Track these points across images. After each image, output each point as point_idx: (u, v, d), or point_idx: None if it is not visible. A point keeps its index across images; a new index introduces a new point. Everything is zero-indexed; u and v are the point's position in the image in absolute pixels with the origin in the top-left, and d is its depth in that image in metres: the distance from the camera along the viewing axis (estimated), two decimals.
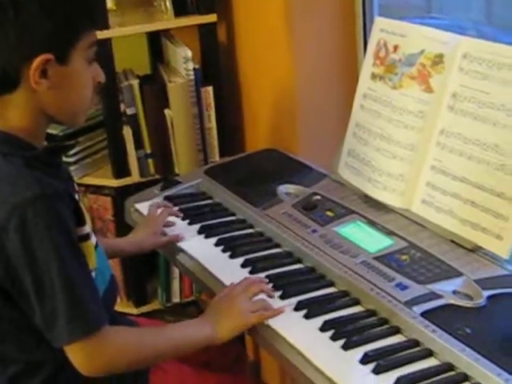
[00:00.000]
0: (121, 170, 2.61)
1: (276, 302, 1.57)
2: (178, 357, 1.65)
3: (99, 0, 2.26)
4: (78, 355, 1.41)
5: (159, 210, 2.01)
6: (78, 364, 1.42)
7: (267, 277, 1.67)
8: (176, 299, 2.84)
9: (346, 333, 1.46)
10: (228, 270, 1.73)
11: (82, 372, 1.44)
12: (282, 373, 2.64)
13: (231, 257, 1.80)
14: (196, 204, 2.09)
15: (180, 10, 2.50)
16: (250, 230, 1.93)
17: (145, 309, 2.79)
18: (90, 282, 1.44)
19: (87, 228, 1.49)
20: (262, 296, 1.59)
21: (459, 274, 1.59)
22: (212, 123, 2.59)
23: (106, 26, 2.41)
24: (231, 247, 1.83)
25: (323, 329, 1.49)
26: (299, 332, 1.48)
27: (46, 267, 1.35)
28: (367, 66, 1.94)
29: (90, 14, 1.45)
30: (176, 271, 2.77)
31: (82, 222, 1.47)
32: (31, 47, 1.38)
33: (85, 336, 1.39)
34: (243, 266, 1.75)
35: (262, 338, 1.55)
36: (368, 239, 1.75)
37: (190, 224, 1.98)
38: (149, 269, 2.82)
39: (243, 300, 1.57)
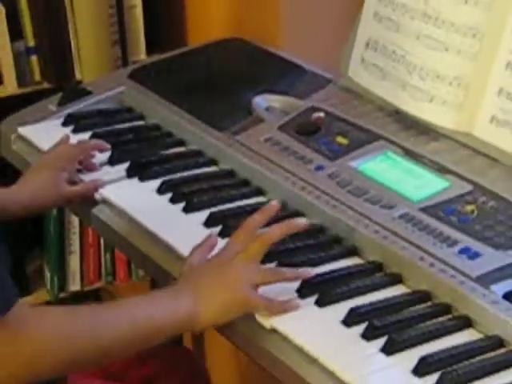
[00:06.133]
0: None
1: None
2: (140, 350, 1.37)
3: None
4: None
5: (72, 141, 1.70)
6: None
7: None
8: (75, 287, 2.48)
9: (385, 328, 1.24)
10: (182, 230, 1.48)
11: None
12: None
13: (186, 210, 1.52)
14: (118, 128, 1.76)
15: None
16: (212, 168, 1.65)
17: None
18: None
19: None
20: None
21: None
22: (135, 0, 2.28)
23: None
24: (184, 195, 1.55)
25: (348, 322, 1.27)
26: (312, 329, 1.26)
27: None
28: None
29: None
30: (75, 242, 2.46)
31: None
32: None
33: None
34: (207, 223, 1.49)
35: (254, 348, 1.29)
36: (408, 180, 1.53)
37: (112, 164, 1.65)
38: (29, 238, 2.50)
39: (243, 264, 1.33)
